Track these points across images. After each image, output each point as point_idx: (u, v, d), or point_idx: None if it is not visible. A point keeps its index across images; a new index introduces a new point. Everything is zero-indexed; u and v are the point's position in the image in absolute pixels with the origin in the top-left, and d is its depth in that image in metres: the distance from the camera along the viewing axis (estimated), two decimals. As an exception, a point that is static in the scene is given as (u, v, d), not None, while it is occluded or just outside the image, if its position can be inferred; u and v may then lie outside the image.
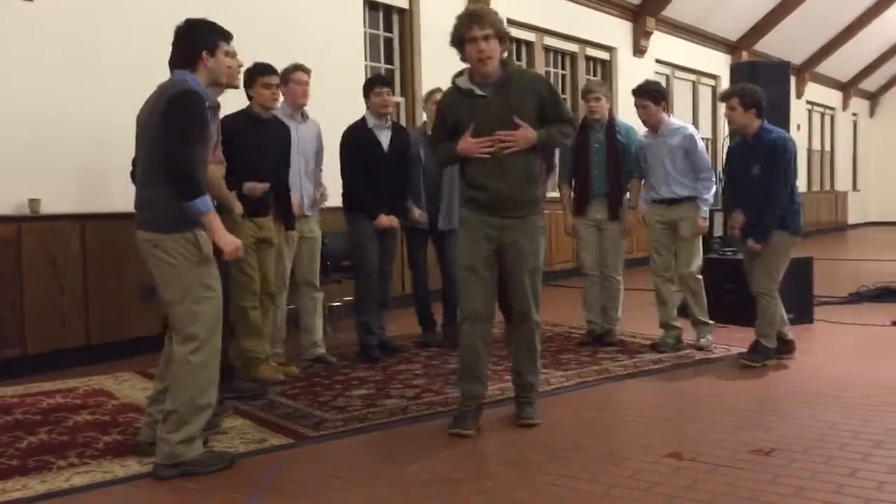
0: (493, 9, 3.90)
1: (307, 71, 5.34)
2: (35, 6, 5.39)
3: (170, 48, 3.45)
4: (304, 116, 5.38)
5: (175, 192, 3.23)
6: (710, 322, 5.72)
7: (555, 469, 3.34)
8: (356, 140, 5.50)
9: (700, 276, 5.68)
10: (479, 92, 3.85)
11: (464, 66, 3.96)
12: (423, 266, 5.98)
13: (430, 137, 4.18)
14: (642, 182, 5.86)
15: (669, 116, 5.72)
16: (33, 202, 5.31)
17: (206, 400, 3.34)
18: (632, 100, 5.71)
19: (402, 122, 8.34)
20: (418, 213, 5.75)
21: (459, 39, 3.83)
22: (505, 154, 3.81)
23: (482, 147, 3.81)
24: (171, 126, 3.23)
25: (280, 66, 5.17)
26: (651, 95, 5.61)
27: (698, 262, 5.68)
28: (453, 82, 3.98)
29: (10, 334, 5.14)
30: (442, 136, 4.00)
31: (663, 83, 9.61)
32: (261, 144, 4.84)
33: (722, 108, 5.53)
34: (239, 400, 4.40)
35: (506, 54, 3.89)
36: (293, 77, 5.28)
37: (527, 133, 3.82)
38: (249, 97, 4.92)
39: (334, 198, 5.63)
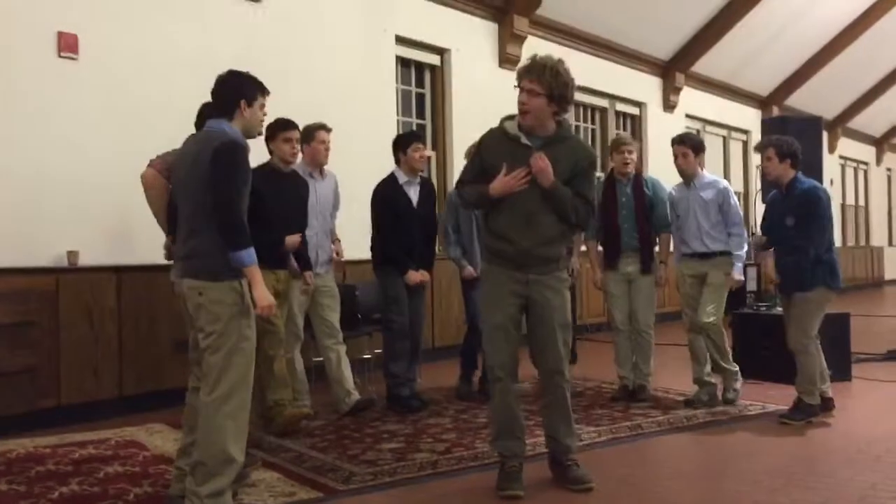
0: (561, 69, 3.70)
1: (329, 130, 5.39)
2: (78, 64, 5.57)
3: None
4: (322, 173, 5.43)
5: (225, 241, 3.28)
6: (734, 367, 5.59)
7: (587, 527, 3.28)
8: (389, 197, 5.55)
9: (721, 329, 5.50)
10: (525, 141, 3.78)
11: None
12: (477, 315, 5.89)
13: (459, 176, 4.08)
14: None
15: (703, 170, 5.73)
16: (72, 254, 5.41)
17: (234, 452, 3.32)
18: (662, 154, 5.75)
19: (434, 175, 8.45)
20: (467, 272, 5.79)
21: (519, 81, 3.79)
22: (534, 182, 3.69)
23: (518, 179, 3.71)
24: (219, 176, 3.28)
25: (314, 122, 5.25)
26: (692, 145, 5.63)
27: (720, 313, 5.48)
28: (501, 124, 3.89)
29: (46, 385, 5.19)
30: (470, 174, 3.95)
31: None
32: (281, 198, 4.86)
33: (752, 162, 5.53)
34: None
35: (559, 116, 3.81)
36: (318, 136, 5.31)
37: (548, 169, 3.69)
38: (270, 151, 4.97)
39: (363, 250, 5.64)
